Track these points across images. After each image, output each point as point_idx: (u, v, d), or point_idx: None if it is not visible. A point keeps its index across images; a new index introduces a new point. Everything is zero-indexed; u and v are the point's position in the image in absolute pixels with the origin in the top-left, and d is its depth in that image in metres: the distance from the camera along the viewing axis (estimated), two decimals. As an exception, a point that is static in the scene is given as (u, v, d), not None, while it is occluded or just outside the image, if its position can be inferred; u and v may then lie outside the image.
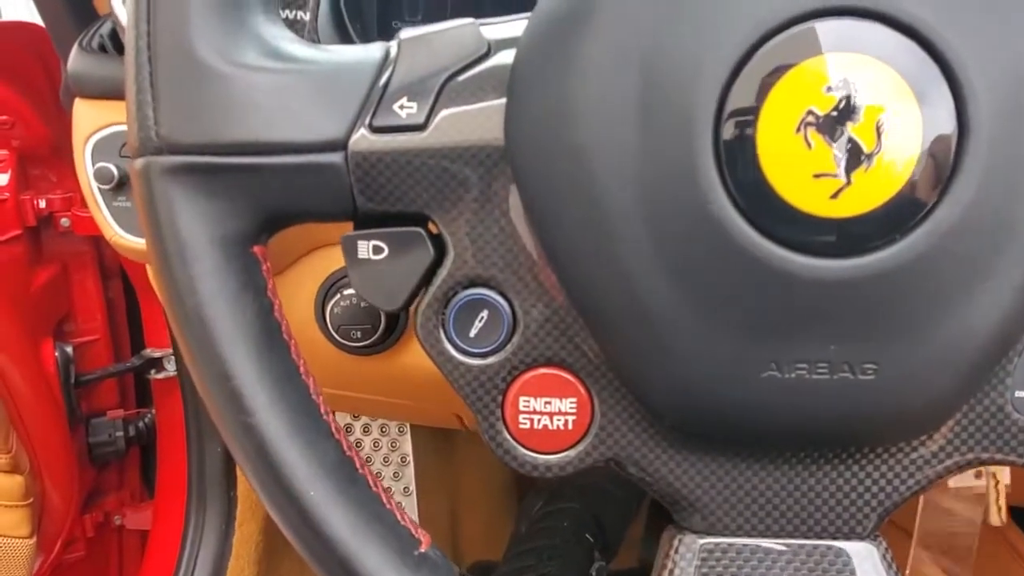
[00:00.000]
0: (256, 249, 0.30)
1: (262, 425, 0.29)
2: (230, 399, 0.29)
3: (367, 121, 0.29)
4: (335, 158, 0.29)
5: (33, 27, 0.89)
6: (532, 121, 0.28)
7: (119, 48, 0.60)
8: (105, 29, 0.61)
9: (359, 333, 0.64)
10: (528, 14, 0.30)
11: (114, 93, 0.57)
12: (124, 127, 0.57)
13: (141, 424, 1.07)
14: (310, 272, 0.65)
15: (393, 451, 1.23)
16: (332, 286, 0.65)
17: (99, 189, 0.55)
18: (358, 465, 0.31)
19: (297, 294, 0.67)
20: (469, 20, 0.30)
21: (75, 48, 0.59)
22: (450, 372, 0.31)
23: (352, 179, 0.29)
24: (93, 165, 0.55)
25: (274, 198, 0.29)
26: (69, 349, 0.94)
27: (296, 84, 0.29)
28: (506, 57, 0.30)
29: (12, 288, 0.88)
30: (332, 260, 0.65)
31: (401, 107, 0.29)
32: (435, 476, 1.26)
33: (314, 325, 0.67)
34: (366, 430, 1.23)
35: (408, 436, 1.23)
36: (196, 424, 0.99)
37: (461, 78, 0.30)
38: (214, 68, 0.28)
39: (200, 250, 0.29)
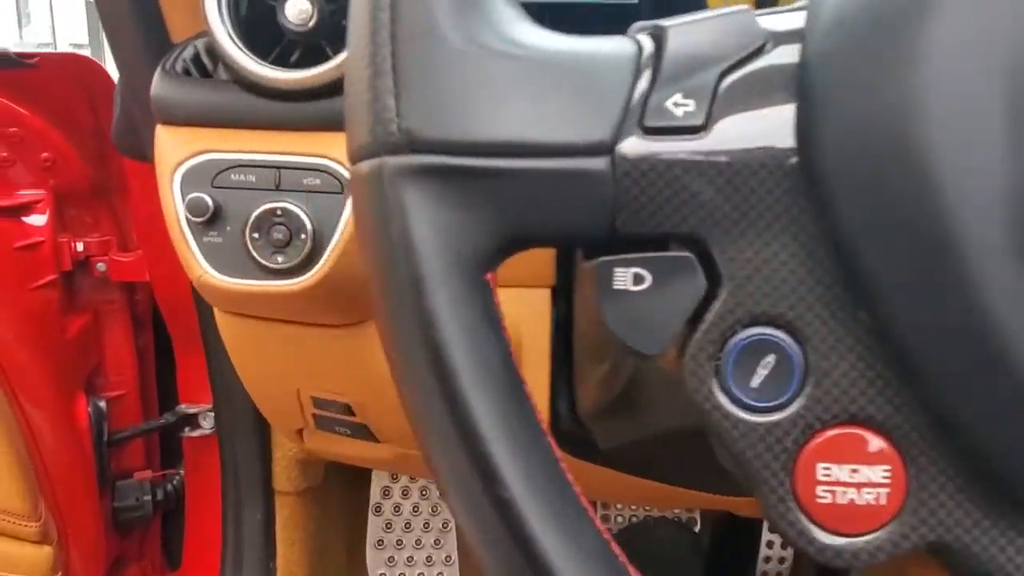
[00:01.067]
0: (489, 276, 0.25)
1: (520, 501, 0.22)
2: (479, 466, 0.22)
3: (636, 120, 0.24)
4: (599, 164, 0.24)
5: (81, 60, 0.85)
6: (843, 128, 0.23)
7: (203, 72, 0.56)
8: (188, 53, 0.57)
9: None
10: (802, 3, 0.25)
11: (202, 119, 0.52)
12: (218, 155, 0.52)
13: (169, 487, 0.98)
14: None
15: (434, 516, 1.15)
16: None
17: (189, 222, 0.49)
18: (617, 551, 0.24)
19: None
20: (743, 7, 0.25)
21: (158, 72, 0.54)
22: (726, 432, 0.25)
23: (616, 190, 0.24)
24: (184, 196, 0.50)
25: (522, 212, 0.24)
26: (103, 404, 0.86)
27: (551, 75, 0.24)
28: (789, 53, 0.25)
29: (45, 337, 0.81)
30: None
31: (676, 104, 0.24)
32: (477, 543, 1.17)
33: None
34: (405, 493, 1.15)
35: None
36: (235, 487, 0.91)
37: (739, 73, 0.24)
38: (466, 53, 0.23)
39: (439, 272, 0.23)
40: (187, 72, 0.56)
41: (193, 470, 0.99)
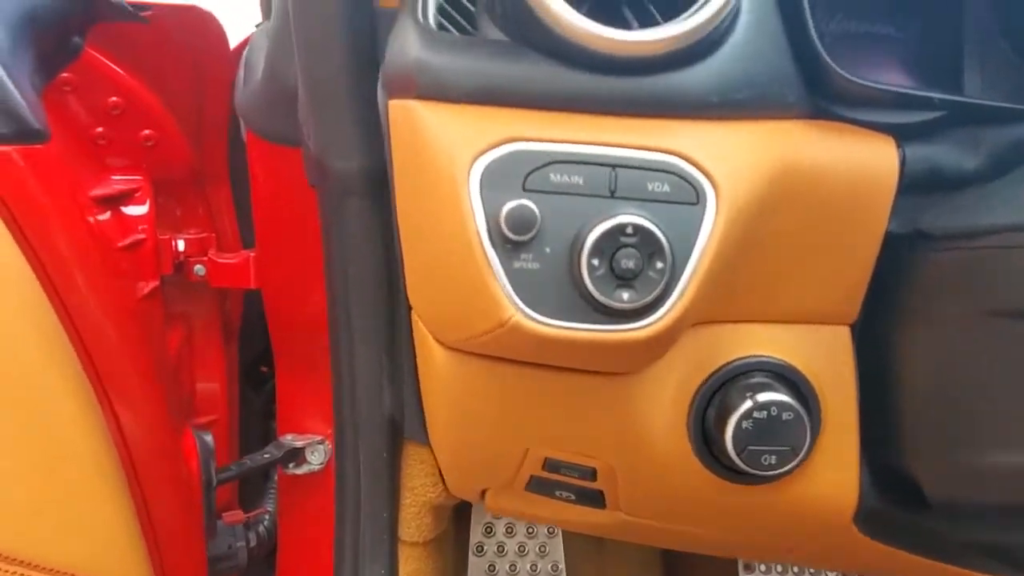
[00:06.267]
0: None
1: None
2: None
3: None
4: None
5: (195, 12, 0.68)
6: None
7: (472, 23, 0.40)
8: (433, 3, 0.42)
9: (774, 458, 0.44)
10: None
11: (498, 96, 0.37)
12: (530, 146, 0.37)
13: (261, 529, 0.83)
14: (683, 364, 0.45)
15: (542, 557, 1.02)
16: (723, 388, 0.45)
17: (498, 241, 0.35)
18: None
19: (661, 391, 0.47)
20: None
21: (414, 28, 0.40)
22: None
23: None
24: (488, 203, 0.35)
25: None
26: (209, 439, 0.71)
27: None
28: None
29: (152, 358, 0.65)
30: (724, 346, 0.45)
31: None
32: (587, 587, 1.04)
33: (679, 435, 0.47)
34: (510, 531, 1.01)
35: (559, 539, 1.02)
36: (353, 535, 0.76)
37: None
38: None
39: None
40: (442, 27, 0.41)
41: (287, 512, 0.84)
